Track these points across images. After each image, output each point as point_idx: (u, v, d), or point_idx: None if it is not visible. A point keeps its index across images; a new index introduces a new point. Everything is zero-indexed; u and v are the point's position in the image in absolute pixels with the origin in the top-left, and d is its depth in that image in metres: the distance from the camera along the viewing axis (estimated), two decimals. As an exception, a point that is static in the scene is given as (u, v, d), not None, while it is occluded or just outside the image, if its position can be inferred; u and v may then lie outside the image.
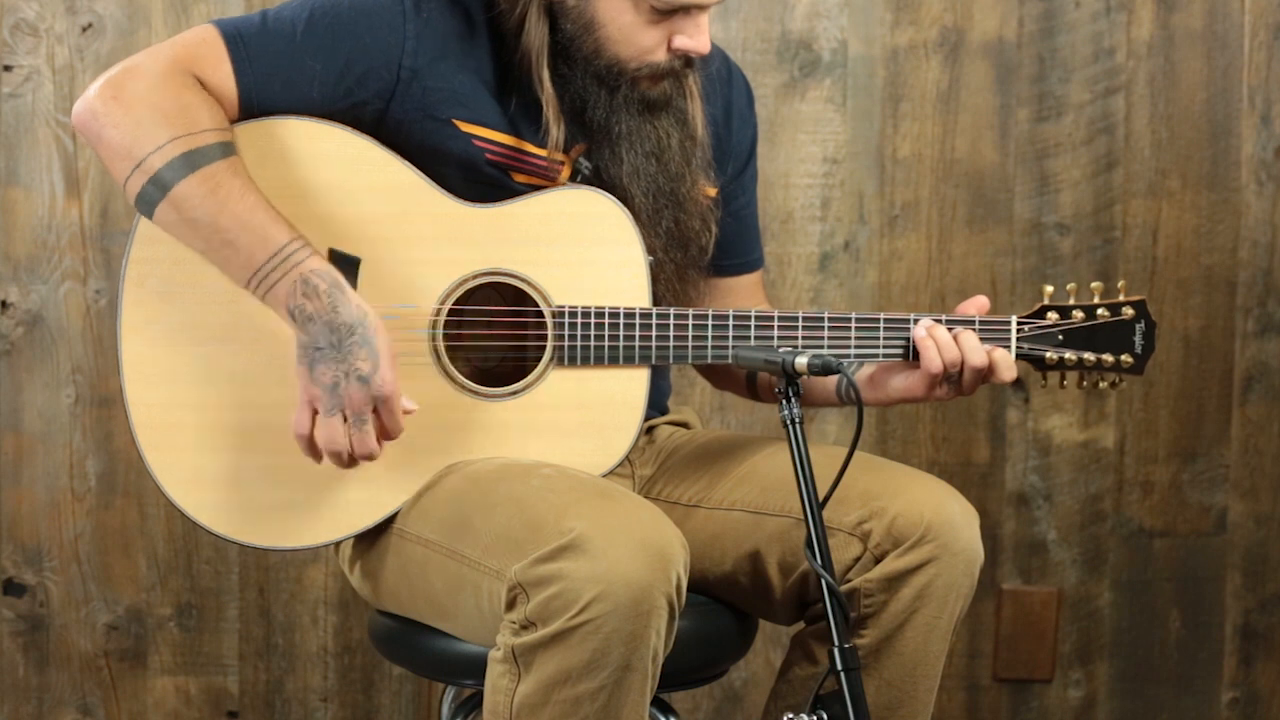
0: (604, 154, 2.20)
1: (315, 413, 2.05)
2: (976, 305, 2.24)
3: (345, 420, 2.04)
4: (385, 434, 2.07)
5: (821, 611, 1.96)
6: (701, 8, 2.14)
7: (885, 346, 2.21)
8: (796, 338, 2.21)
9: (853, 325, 2.21)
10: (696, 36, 2.16)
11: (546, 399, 2.17)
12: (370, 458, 2.06)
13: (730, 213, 2.36)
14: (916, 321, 2.20)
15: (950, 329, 2.19)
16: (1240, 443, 3.25)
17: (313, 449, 2.08)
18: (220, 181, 2.04)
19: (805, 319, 2.21)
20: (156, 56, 2.09)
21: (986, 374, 2.19)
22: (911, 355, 2.21)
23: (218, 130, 2.07)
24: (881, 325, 2.21)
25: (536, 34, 2.16)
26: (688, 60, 2.19)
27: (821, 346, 2.21)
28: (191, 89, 2.08)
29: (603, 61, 2.16)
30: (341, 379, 2.03)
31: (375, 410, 2.05)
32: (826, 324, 2.21)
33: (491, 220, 2.16)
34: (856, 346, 2.21)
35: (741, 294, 2.42)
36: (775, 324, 2.20)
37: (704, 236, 2.27)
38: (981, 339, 2.20)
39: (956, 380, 2.19)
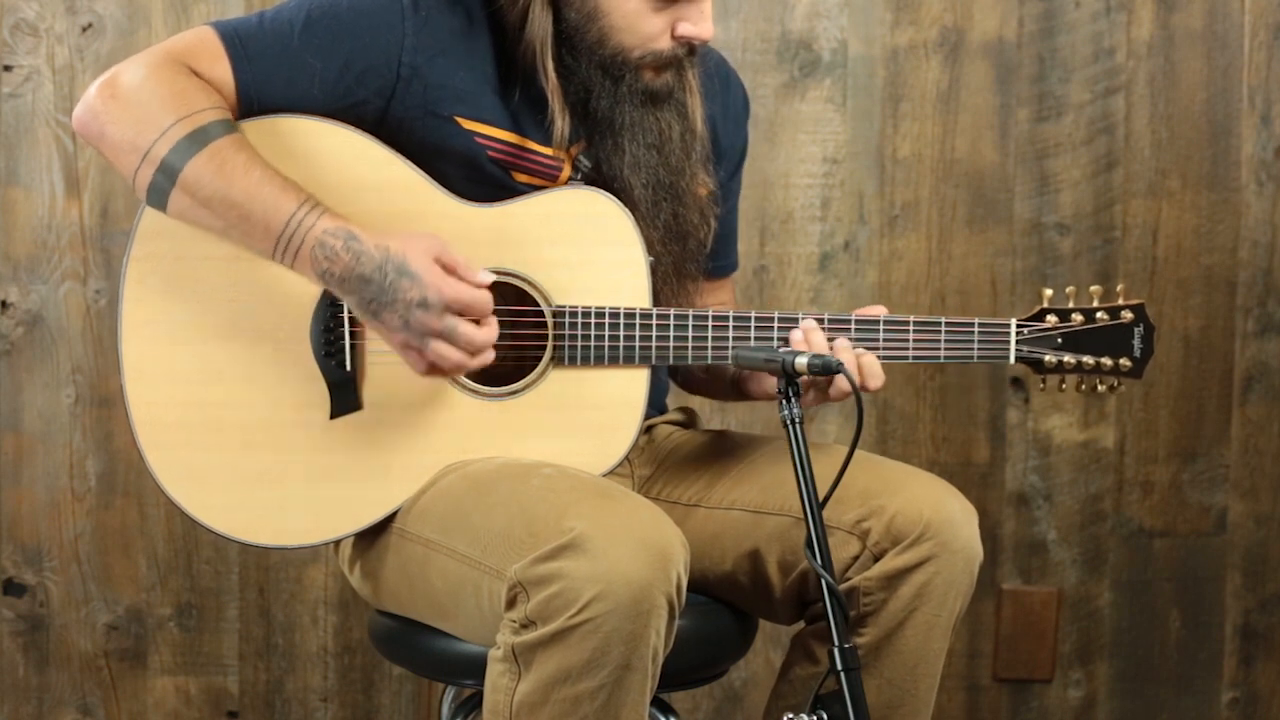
0: (606, 145, 2.20)
1: (418, 349, 2.07)
2: (876, 313, 2.22)
3: (441, 338, 2.06)
4: (479, 319, 2.08)
5: (822, 611, 1.95)
6: None
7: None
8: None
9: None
10: (700, 23, 2.16)
11: (546, 399, 2.17)
12: (485, 347, 2.08)
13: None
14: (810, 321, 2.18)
15: (830, 337, 2.17)
16: (1240, 443, 3.25)
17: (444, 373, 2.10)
18: (226, 157, 2.05)
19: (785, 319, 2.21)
20: (151, 54, 2.10)
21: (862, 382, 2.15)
22: None
23: (216, 109, 2.08)
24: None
25: (540, 25, 2.16)
26: (691, 48, 2.19)
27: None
28: (185, 75, 2.08)
29: (607, 50, 2.16)
30: (406, 314, 2.05)
31: (456, 313, 2.06)
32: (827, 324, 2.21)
33: (492, 220, 2.16)
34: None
35: (716, 295, 2.43)
36: (775, 324, 2.20)
37: (703, 230, 2.27)
38: (979, 339, 2.20)
39: (824, 386, 2.15)
